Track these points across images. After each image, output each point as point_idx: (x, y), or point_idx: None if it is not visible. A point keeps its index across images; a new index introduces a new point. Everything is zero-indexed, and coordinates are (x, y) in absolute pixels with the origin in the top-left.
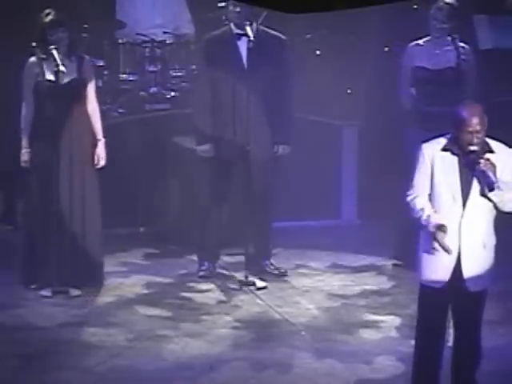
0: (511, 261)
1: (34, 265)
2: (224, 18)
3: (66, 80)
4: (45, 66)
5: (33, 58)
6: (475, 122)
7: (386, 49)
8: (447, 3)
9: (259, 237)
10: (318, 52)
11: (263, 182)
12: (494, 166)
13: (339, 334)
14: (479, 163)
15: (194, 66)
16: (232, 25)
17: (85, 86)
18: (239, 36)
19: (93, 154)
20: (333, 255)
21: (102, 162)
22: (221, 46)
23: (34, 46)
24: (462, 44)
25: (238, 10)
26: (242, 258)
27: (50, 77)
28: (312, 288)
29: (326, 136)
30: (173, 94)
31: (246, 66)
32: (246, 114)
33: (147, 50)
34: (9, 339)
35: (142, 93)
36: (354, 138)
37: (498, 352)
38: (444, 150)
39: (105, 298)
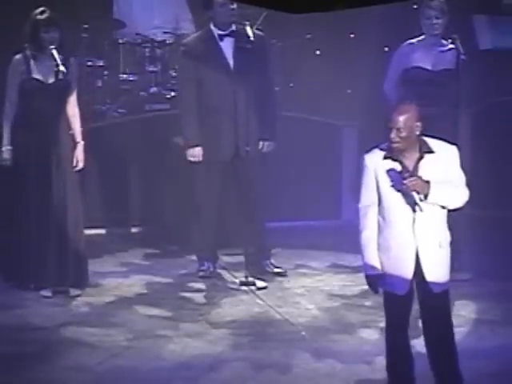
0: (511, 261)
1: (28, 265)
2: (208, 18)
3: (52, 80)
4: (32, 64)
5: (18, 56)
6: (398, 120)
7: (386, 49)
8: None
9: (258, 236)
10: (317, 52)
11: (254, 181)
12: (419, 184)
13: (339, 334)
14: (404, 183)
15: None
16: (213, 26)
17: (70, 88)
18: (221, 37)
19: (73, 156)
20: (333, 255)
21: (81, 165)
22: (203, 47)
23: (25, 44)
24: (457, 44)
25: (227, 10)
26: (241, 258)
27: (36, 75)
28: (312, 288)
29: (326, 136)
30: (173, 93)
31: (232, 67)
32: (235, 115)
33: (147, 50)
34: (9, 339)
35: (141, 93)
36: (353, 138)
37: (499, 352)
38: (385, 158)
39: (105, 298)
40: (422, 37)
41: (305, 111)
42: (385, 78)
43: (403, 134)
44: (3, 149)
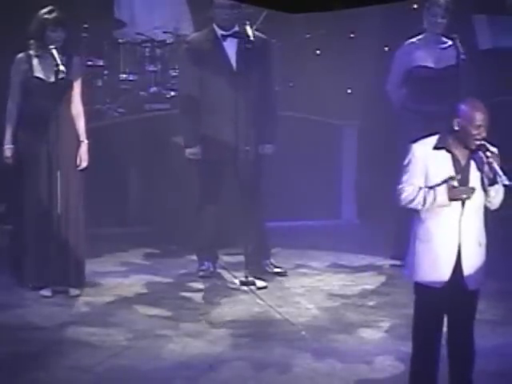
0: (511, 261)
1: (28, 264)
2: (210, 18)
3: (53, 79)
4: (34, 63)
5: (21, 55)
6: (483, 117)
7: (386, 49)
8: None
9: (258, 236)
10: (318, 52)
11: (253, 182)
12: (499, 158)
13: (339, 334)
14: (487, 156)
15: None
16: (215, 26)
17: (72, 87)
18: (225, 37)
19: (76, 155)
20: (333, 255)
21: (84, 164)
22: (206, 46)
23: (29, 43)
24: (458, 42)
25: (225, 11)
26: (242, 258)
27: (38, 74)
28: (312, 288)
29: (326, 136)
30: (173, 93)
31: (234, 68)
32: (236, 115)
33: (147, 49)
34: (9, 339)
35: (141, 93)
36: (353, 138)
37: (498, 352)
38: (436, 148)
39: (104, 298)
40: (422, 35)
41: (305, 111)
42: (387, 79)
43: (486, 131)
44: (5, 147)
